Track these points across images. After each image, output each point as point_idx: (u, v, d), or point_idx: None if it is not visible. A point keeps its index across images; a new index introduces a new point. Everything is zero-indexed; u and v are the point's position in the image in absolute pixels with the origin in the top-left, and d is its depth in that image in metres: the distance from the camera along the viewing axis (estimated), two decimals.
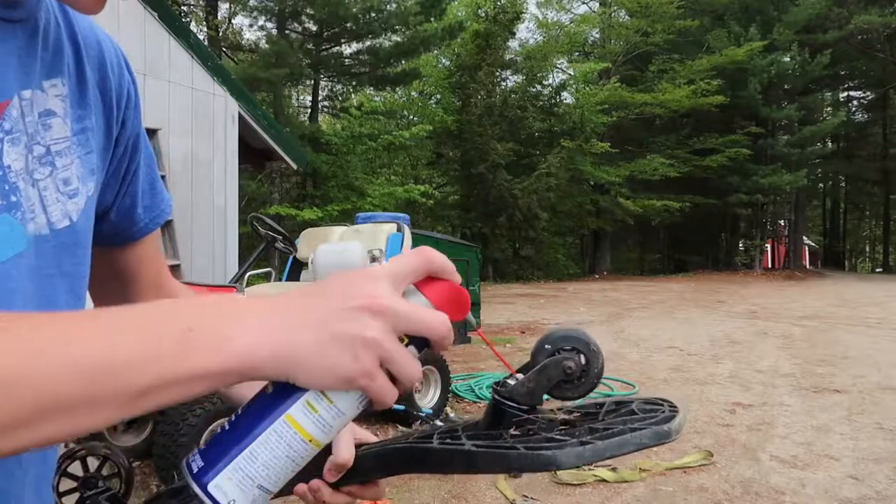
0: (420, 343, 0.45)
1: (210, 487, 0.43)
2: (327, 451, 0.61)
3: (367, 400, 0.45)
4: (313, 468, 0.58)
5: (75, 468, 2.12)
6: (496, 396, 0.54)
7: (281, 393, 0.44)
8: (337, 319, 0.41)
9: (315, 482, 0.60)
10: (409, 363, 0.43)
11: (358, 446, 0.61)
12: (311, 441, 0.44)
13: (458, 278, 0.48)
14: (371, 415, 4.83)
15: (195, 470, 0.44)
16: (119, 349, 0.38)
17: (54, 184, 0.56)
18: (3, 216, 0.49)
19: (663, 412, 0.49)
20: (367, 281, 0.43)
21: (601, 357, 0.53)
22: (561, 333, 0.54)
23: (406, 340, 0.45)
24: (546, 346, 0.54)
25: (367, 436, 0.66)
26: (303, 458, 0.45)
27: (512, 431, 0.50)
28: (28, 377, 0.35)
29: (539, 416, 0.51)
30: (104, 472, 2.04)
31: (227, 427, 0.45)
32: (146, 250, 0.74)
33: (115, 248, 0.70)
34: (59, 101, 0.57)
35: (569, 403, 0.55)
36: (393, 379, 0.44)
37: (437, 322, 0.44)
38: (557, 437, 0.46)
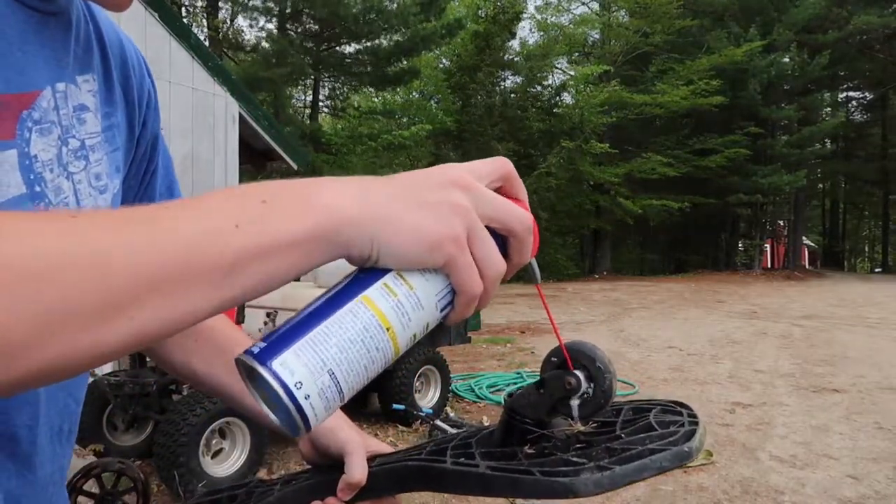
0: (498, 241, 0.42)
1: (275, 365, 0.38)
2: (340, 469, 0.60)
3: (449, 300, 0.42)
4: (327, 488, 0.57)
5: (91, 486, 2.11)
6: (508, 410, 0.52)
7: (357, 279, 0.41)
8: (425, 187, 0.40)
9: (330, 500, 0.59)
10: (493, 248, 0.41)
11: (372, 458, 0.61)
12: (388, 330, 0.40)
13: (527, 206, 0.45)
14: (372, 414, 4.84)
15: (256, 350, 0.39)
16: (202, 221, 0.36)
17: (87, 178, 0.56)
18: (27, 206, 0.49)
19: (682, 425, 0.48)
20: (449, 167, 0.42)
21: (609, 376, 0.50)
22: (568, 347, 0.52)
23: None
24: (553, 359, 0.52)
25: (382, 447, 0.65)
26: (378, 351, 0.40)
27: (527, 450, 0.49)
28: (121, 255, 0.33)
29: (555, 431, 0.49)
30: (120, 487, 2.04)
31: (297, 315, 0.41)
32: None
33: None
34: (90, 97, 0.57)
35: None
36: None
37: (521, 213, 0.43)
38: (574, 458, 0.45)
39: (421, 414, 4.34)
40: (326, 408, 0.39)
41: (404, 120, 22.60)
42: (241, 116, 6.65)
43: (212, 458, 3.42)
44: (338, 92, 21.81)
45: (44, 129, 0.51)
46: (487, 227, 0.41)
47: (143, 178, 0.68)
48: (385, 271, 0.40)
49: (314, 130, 18.15)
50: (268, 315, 4.08)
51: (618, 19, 28.52)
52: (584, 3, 30.24)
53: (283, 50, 16.35)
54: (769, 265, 33.68)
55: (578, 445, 0.48)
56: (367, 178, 0.41)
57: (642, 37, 26.67)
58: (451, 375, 5.10)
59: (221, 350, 0.72)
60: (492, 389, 5.64)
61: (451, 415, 4.75)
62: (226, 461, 3.49)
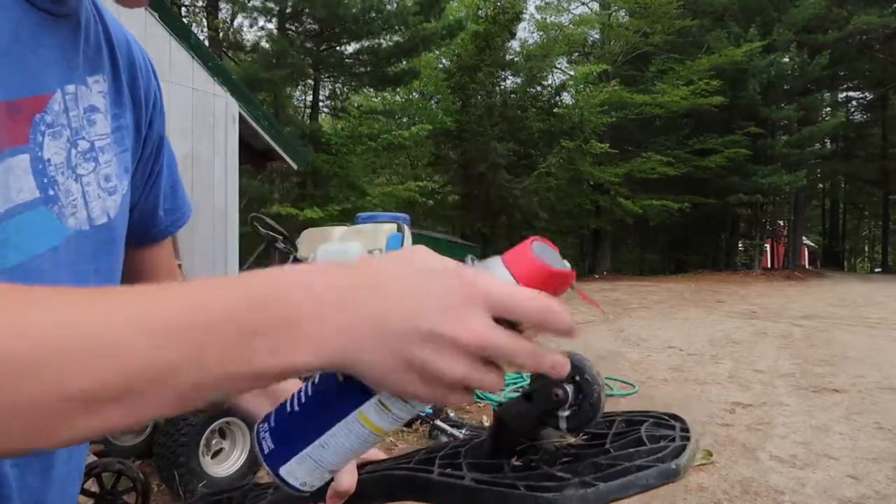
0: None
1: (282, 472, 0.45)
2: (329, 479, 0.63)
3: None
4: (317, 495, 0.59)
5: (90, 485, 2.11)
6: (497, 421, 0.52)
7: (352, 387, 0.42)
8: (420, 342, 0.37)
9: None
10: (492, 384, 0.40)
11: (362, 465, 0.62)
12: (379, 432, 0.44)
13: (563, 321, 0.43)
14: None
15: (266, 451, 0.46)
16: (166, 352, 0.34)
17: (97, 180, 0.56)
18: (41, 209, 0.49)
19: (673, 440, 0.47)
20: (468, 305, 0.38)
21: (597, 388, 0.48)
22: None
23: None
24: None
25: (373, 453, 0.65)
26: (370, 445, 0.45)
27: (514, 462, 0.48)
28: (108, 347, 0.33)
29: (543, 443, 0.49)
30: (120, 487, 2.04)
31: (295, 407, 0.45)
32: (161, 255, 0.74)
33: (131, 249, 0.70)
34: (100, 98, 0.57)
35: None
36: None
37: (528, 349, 0.40)
38: (559, 473, 0.44)
39: (421, 414, 4.34)
40: (322, 482, 0.47)
41: (404, 120, 22.61)
42: (241, 116, 6.65)
43: (212, 458, 3.42)
44: (338, 92, 21.82)
45: (56, 132, 0.51)
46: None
47: (149, 179, 0.69)
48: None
49: (314, 130, 18.15)
50: None
51: (618, 19, 28.53)
52: (583, 3, 30.25)
53: (283, 50, 16.35)
54: (769, 265, 33.68)
55: (565, 459, 0.48)
56: (362, 297, 0.38)
57: (642, 37, 26.67)
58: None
59: None
60: None
61: (451, 415, 4.75)
62: (226, 461, 3.49)
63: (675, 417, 0.53)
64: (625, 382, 6.04)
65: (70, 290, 0.35)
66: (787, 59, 27.26)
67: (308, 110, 22.78)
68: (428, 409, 4.48)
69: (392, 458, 0.63)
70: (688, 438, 0.47)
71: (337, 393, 0.44)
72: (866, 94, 37.45)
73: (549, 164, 23.32)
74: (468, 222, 23.69)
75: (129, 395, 0.33)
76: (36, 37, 0.49)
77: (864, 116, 38.74)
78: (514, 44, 26.49)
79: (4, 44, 0.46)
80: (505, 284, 0.40)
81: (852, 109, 38.80)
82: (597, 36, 29.75)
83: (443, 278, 0.39)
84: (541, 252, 0.44)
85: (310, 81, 19.98)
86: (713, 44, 26.21)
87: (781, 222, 33.02)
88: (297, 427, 0.45)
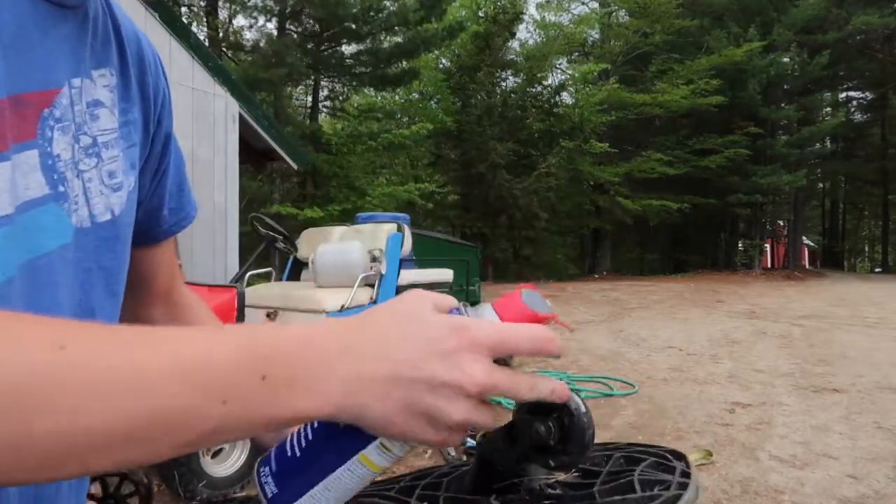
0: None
1: None
2: None
3: None
4: None
5: (94, 489, 2.11)
6: (478, 458, 0.50)
7: (354, 432, 0.43)
8: (427, 390, 0.39)
9: None
10: (488, 419, 0.42)
11: None
12: (378, 470, 0.45)
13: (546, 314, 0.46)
14: None
15: (270, 495, 0.45)
16: (172, 400, 0.34)
17: (99, 176, 0.54)
18: (51, 206, 0.48)
19: (668, 487, 0.43)
20: (467, 350, 0.40)
21: (587, 432, 0.43)
22: None
23: None
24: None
25: None
26: (368, 482, 0.46)
27: (493, 500, 0.46)
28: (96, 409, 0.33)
29: (528, 481, 0.46)
30: (123, 491, 2.03)
31: (297, 451, 0.46)
32: (164, 255, 0.73)
33: (133, 248, 0.68)
34: (106, 92, 0.56)
35: None
36: None
37: (527, 382, 0.43)
38: None
39: None
40: None
41: (404, 120, 22.62)
42: (241, 116, 6.65)
43: (212, 457, 3.42)
44: (338, 92, 21.82)
45: (64, 127, 0.50)
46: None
47: (154, 176, 0.68)
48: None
49: (314, 130, 18.15)
50: (268, 315, 4.08)
51: (617, 19, 28.53)
52: (583, 3, 30.26)
53: (283, 50, 16.35)
54: (769, 265, 33.69)
55: (547, 502, 0.45)
56: (360, 350, 0.40)
57: (642, 37, 26.68)
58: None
59: None
60: None
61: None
62: (226, 461, 3.49)
63: (679, 456, 0.50)
64: (625, 382, 6.05)
65: (91, 327, 0.36)
66: (786, 59, 27.28)
67: (308, 110, 22.79)
68: None
69: (379, 482, 0.61)
70: (686, 485, 0.44)
71: (338, 437, 0.44)
72: (866, 94, 37.47)
73: (548, 164, 23.32)
74: (468, 222, 23.69)
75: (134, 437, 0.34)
76: (43, 29, 0.48)
77: (864, 116, 38.75)
78: (514, 44, 26.53)
79: (9, 36, 0.45)
80: (496, 324, 0.44)
81: (852, 109, 38.80)
82: (597, 36, 29.77)
83: (441, 328, 0.41)
84: (528, 298, 0.47)
85: (309, 82, 19.99)
86: (713, 44, 26.22)
87: (781, 222, 33.03)
88: (299, 470, 0.45)
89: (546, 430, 0.44)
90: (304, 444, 0.46)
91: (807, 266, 36.23)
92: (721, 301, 15.15)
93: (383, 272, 4.44)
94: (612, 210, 26.26)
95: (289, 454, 0.46)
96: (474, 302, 6.81)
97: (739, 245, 32.01)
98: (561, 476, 0.47)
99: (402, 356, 0.40)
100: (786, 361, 7.32)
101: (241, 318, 3.59)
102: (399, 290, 4.65)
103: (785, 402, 5.44)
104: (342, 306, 4.17)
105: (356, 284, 4.28)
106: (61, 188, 0.49)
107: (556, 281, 22.84)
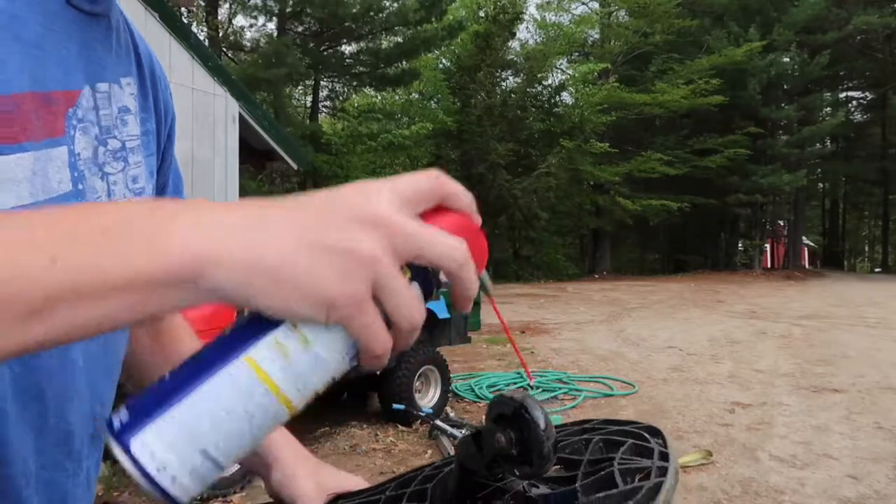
0: (424, 280, 0.35)
1: (133, 446, 0.31)
2: None
3: (355, 350, 0.35)
4: None
5: None
6: (458, 463, 0.49)
7: (241, 331, 0.34)
8: (324, 226, 0.32)
9: None
10: (409, 298, 0.33)
11: (335, 500, 0.61)
12: (278, 394, 0.33)
13: (476, 216, 0.38)
14: (372, 414, 4.84)
15: (117, 426, 0.32)
16: (13, 247, 0.30)
17: (124, 179, 0.56)
18: (72, 203, 0.49)
19: (648, 474, 0.42)
20: (364, 192, 0.34)
21: (544, 439, 0.41)
22: (504, 397, 0.45)
23: (409, 274, 0.34)
24: (491, 408, 0.46)
25: (348, 483, 0.65)
26: (267, 418, 0.33)
27: None
28: None
29: (508, 484, 0.45)
30: None
31: (167, 376, 0.34)
32: None
33: None
34: (132, 100, 0.58)
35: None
36: (387, 321, 0.34)
37: (450, 247, 0.34)
38: None
39: (421, 414, 4.34)
40: (202, 483, 0.32)
41: (404, 120, 22.62)
42: (241, 116, 6.65)
43: None
44: (338, 92, 21.83)
45: (84, 127, 0.51)
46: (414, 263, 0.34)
47: (153, 192, 0.69)
48: (276, 322, 0.33)
49: (314, 131, 18.16)
50: None
51: (617, 19, 28.54)
52: (583, 3, 30.26)
53: (283, 50, 16.35)
54: (769, 265, 33.69)
55: None
56: (251, 205, 0.33)
57: (642, 37, 26.69)
58: (451, 375, 5.10)
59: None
60: (492, 389, 5.64)
61: (451, 415, 4.75)
62: None
63: (655, 433, 0.49)
64: (625, 382, 6.05)
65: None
66: (786, 59, 27.29)
67: (308, 110, 22.80)
68: (428, 409, 4.48)
69: (366, 489, 0.60)
70: (665, 470, 0.42)
71: (221, 342, 0.34)
72: (866, 94, 37.48)
73: (548, 164, 23.32)
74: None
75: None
76: (69, 32, 0.50)
77: (864, 116, 38.77)
78: (515, 44, 26.53)
79: (35, 36, 0.46)
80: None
81: (852, 109, 38.82)
82: (597, 36, 29.77)
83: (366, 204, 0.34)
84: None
85: (309, 82, 19.99)
86: (713, 44, 26.23)
87: (781, 222, 33.04)
88: (162, 390, 0.33)
89: (507, 440, 0.43)
90: (177, 366, 0.34)
91: (807, 266, 36.23)
92: (721, 301, 15.15)
93: None
94: (612, 210, 26.26)
95: (155, 382, 0.34)
96: (475, 302, 6.82)
97: (739, 245, 32.01)
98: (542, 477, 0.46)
99: (294, 211, 0.33)
100: (786, 361, 7.32)
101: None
102: None
103: (785, 402, 5.43)
104: None
105: None
106: (80, 186, 0.50)
107: (556, 281, 22.84)
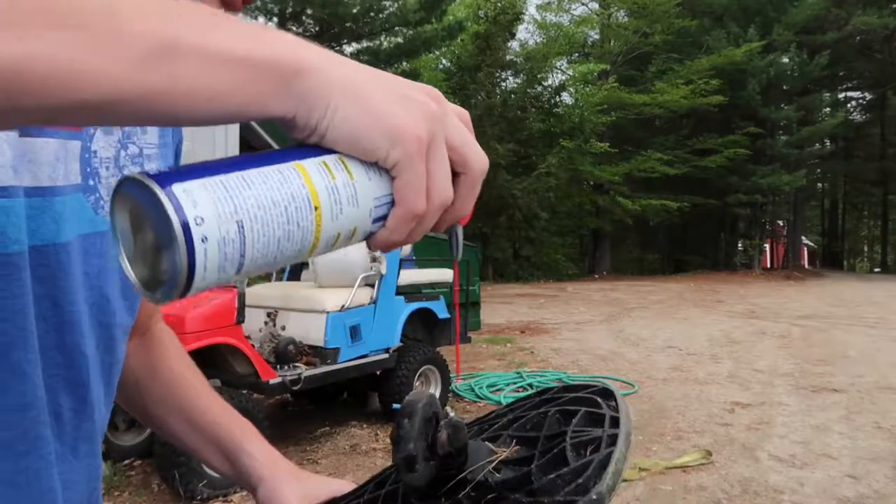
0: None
1: (177, 189, 0.29)
2: None
3: (385, 212, 0.36)
4: None
5: None
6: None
7: (290, 149, 0.35)
8: (401, 83, 0.36)
9: None
10: (448, 170, 0.36)
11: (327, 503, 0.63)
12: (316, 209, 0.33)
13: None
14: (372, 413, 4.84)
15: (153, 172, 0.31)
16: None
17: None
18: (77, 195, 0.50)
19: (598, 446, 0.43)
20: (426, 86, 0.38)
21: (406, 450, 0.42)
22: (410, 398, 0.46)
23: None
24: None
25: (338, 489, 0.66)
26: (299, 229, 0.33)
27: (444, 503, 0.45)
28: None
29: (471, 472, 0.45)
30: None
31: (208, 160, 0.33)
32: None
33: None
34: None
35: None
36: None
37: (481, 152, 0.39)
38: None
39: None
40: (219, 269, 0.30)
41: None
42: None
43: None
44: None
45: (106, 128, 0.53)
46: None
47: None
48: (327, 150, 0.35)
49: None
50: (268, 315, 4.09)
51: (617, 19, 28.55)
52: (583, 3, 30.27)
53: None
54: (769, 265, 33.71)
55: (490, 496, 0.43)
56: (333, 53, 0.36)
57: (642, 37, 26.69)
58: (452, 375, 5.11)
59: (175, 393, 0.72)
60: (492, 389, 5.64)
61: (452, 414, 4.75)
62: None
63: (608, 395, 0.49)
64: (625, 382, 6.05)
65: None
66: (786, 60, 27.30)
67: None
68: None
69: (347, 493, 0.61)
70: (615, 438, 0.42)
71: (277, 151, 0.35)
72: (866, 94, 37.51)
73: (548, 164, 23.34)
74: (468, 222, 23.68)
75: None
76: None
77: (864, 116, 38.79)
78: (514, 44, 26.54)
79: None
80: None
81: (852, 109, 38.85)
82: (596, 36, 29.79)
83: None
84: None
85: None
86: (713, 44, 26.25)
87: (781, 222, 33.05)
88: (212, 164, 0.32)
89: (395, 432, 0.44)
90: (219, 158, 0.33)
91: (806, 266, 36.26)
92: (721, 301, 15.16)
93: (383, 272, 4.45)
94: (612, 210, 26.27)
95: (207, 160, 0.34)
96: (474, 302, 6.78)
97: (739, 245, 32.04)
98: (502, 453, 0.46)
99: (370, 69, 0.37)
100: (785, 361, 7.33)
101: (241, 317, 3.59)
102: (399, 290, 4.66)
103: (785, 401, 5.44)
104: (342, 306, 4.17)
105: (356, 284, 4.29)
106: (91, 182, 0.51)
107: (556, 281, 22.84)
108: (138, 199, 0.30)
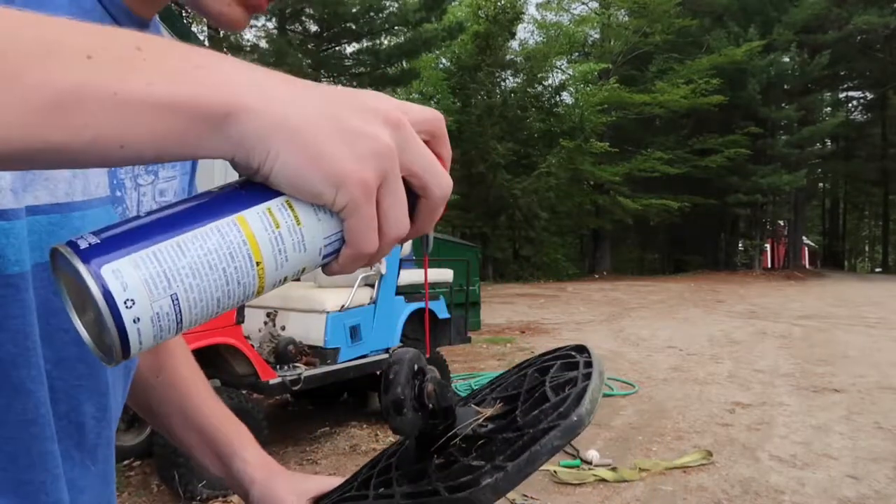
0: (409, 200, 0.35)
1: (105, 271, 0.29)
2: None
3: (336, 248, 0.35)
4: None
5: None
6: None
7: (233, 194, 0.33)
8: (351, 109, 0.33)
9: None
10: (403, 205, 0.34)
11: (318, 500, 0.63)
12: (258, 264, 0.32)
13: (447, 164, 0.39)
14: (372, 413, 4.83)
15: (84, 246, 0.30)
16: (50, 28, 0.28)
17: (153, 192, 0.57)
18: (107, 208, 0.50)
19: (575, 383, 0.45)
20: (382, 95, 0.35)
21: (390, 400, 0.45)
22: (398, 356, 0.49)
23: None
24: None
25: (326, 484, 0.66)
26: (239, 286, 0.32)
27: (436, 460, 0.46)
28: None
29: (459, 428, 0.47)
30: None
31: (143, 215, 0.32)
32: None
33: None
34: None
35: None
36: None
37: (444, 174, 0.36)
38: (474, 463, 0.43)
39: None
40: (155, 338, 0.30)
41: None
42: None
43: None
44: None
45: None
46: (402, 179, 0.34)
47: None
48: (273, 194, 0.33)
49: None
50: (268, 315, 4.08)
51: (617, 19, 28.55)
52: (583, 3, 30.27)
53: (283, 50, 16.36)
54: (769, 265, 33.70)
55: (481, 442, 0.46)
56: (284, 75, 0.33)
57: (642, 36, 26.69)
58: (452, 375, 5.10)
59: (177, 394, 0.73)
60: None
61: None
62: None
63: (582, 350, 0.52)
64: (625, 382, 6.05)
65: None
66: (787, 59, 27.30)
67: None
68: None
69: (343, 483, 0.62)
70: (589, 375, 0.45)
71: (215, 197, 0.33)
72: (866, 93, 37.49)
73: (548, 164, 23.34)
74: (468, 222, 23.71)
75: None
76: None
77: (864, 116, 38.79)
78: (514, 44, 26.55)
79: None
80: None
81: (852, 109, 38.86)
82: (596, 36, 29.79)
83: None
84: None
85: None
86: (713, 43, 26.24)
87: (781, 222, 33.05)
88: (145, 225, 0.31)
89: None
90: (156, 210, 0.32)
91: (807, 266, 36.24)
92: (721, 301, 15.15)
93: (383, 272, 4.44)
94: (613, 210, 26.27)
95: (132, 216, 0.33)
96: (474, 302, 6.80)
97: (739, 245, 32.03)
98: (488, 412, 0.48)
99: (321, 90, 0.33)
100: (786, 361, 7.32)
101: (240, 318, 3.59)
102: (399, 290, 4.65)
103: (785, 402, 5.43)
104: (342, 306, 4.16)
105: (356, 284, 4.28)
106: (118, 193, 0.51)
107: (556, 281, 22.84)
108: (71, 275, 0.29)
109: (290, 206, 0.33)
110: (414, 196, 0.36)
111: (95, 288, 0.28)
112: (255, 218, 0.32)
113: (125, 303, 0.29)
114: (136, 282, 0.29)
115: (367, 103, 0.33)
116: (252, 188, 0.33)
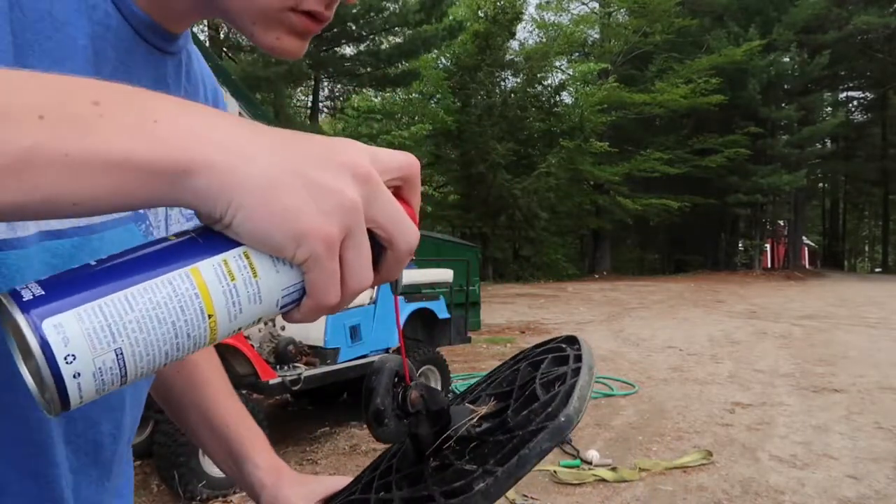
0: (375, 249, 0.35)
1: (46, 325, 0.28)
2: None
3: (295, 298, 0.34)
4: None
5: None
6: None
7: (190, 243, 0.32)
8: (318, 163, 0.32)
9: None
10: (367, 258, 0.34)
11: (326, 501, 0.64)
12: (210, 317, 0.31)
13: (416, 217, 0.39)
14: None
15: (27, 297, 0.29)
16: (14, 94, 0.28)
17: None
18: (130, 226, 0.51)
19: (563, 381, 0.45)
20: (353, 146, 0.34)
21: (375, 409, 0.46)
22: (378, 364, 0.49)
23: None
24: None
25: (335, 484, 0.66)
26: (189, 339, 0.31)
27: (433, 463, 0.47)
28: None
29: (454, 429, 0.47)
30: None
31: (93, 263, 0.31)
32: None
33: None
34: None
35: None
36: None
37: (411, 228, 0.36)
38: (467, 467, 0.43)
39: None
40: (97, 391, 0.30)
41: (404, 120, 22.62)
42: (240, 116, 6.66)
43: None
44: (338, 93, 21.82)
45: None
46: (368, 230, 0.34)
47: None
48: (231, 244, 0.32)
49: (314, 131, 18.15)
50: None
51: (617, 19, 28.55)
52: (583, 3, 30.27)
53: None
54: (769, 265, 33.70)
55: (473, 444, 0.46)
56: (251, 123, 0.33)
57: (642, 36, 26.69)
58: (451, 375, 5.10)
59: (196, 390, 0.73)
60: None
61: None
62: None
63: (572, 341, 0.52)
64: (625, 382, 6.04)
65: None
66: (787, 59, 27.30)
67: (308, 110, 22.80)
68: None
69: (349, 484, 0.62)
70: (578, 371, 0.45)
71: (169, 246, 0.32)
72: (866, 94, 37.50)
73: (548, 164, 23.33)
74: (468, 222, 23.71)
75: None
76: (145, 69, 0.51)
77: (864, 116, 38.78)
78: (514, 44, 26.55)
79: (114, 69, 0.48)
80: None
81: (852, 109, 38.84)
82: (596, 35, 29.78)
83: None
84: None
85: (310, 82, 19.99)
86: (713, 43, 26.24)
87: (781, 222, 33.05)
88: (90, 276, 0.30)
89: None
90: (107, 257, 0.32)
91: (807, 266, 36.24)
92: (721, 301, 15.15)
93: None
94: (612, 210, 26.27)
95: (81, 264, 0.32)
96: (474, 303, 6.79)
97: (739, 245, 32.02)
98: (482, 410, 0.48)
99: (289, 141, 0.33)
100: (786, 361, 7.32)
101: None
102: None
103: (785, 402, 5.43)
104: None
105: None
106: (141, 210, 0.51)
107: (556, 281, 22.84)
108: (11, 326, 0.29)
109: (248, 258, 0.32)
110: (380, 246, 0.36)
111: (34, 342, 0.28)
112: (209, 270, 0.31)
113: (65, 358, 0.28)
114: (79, 336, 0.28)
115: (335, 158, 0.33)
116: (210, 237, 0.32)
